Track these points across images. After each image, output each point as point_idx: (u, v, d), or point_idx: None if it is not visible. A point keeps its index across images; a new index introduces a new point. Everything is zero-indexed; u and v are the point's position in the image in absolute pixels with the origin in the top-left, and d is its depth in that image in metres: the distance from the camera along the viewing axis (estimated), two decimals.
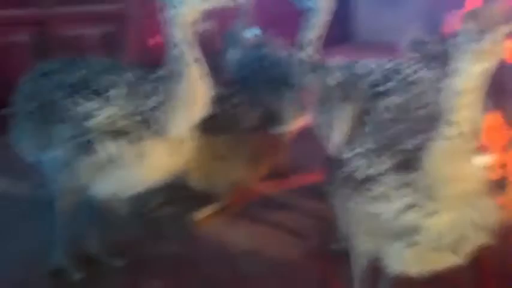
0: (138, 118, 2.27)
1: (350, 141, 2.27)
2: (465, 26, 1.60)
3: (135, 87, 2.31)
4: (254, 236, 2.98)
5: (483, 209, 1.81)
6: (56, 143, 2.34)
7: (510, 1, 1.66)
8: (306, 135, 3.31)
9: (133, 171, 2.30)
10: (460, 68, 1.62)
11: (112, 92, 2.29)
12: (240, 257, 2.79)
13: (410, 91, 2.48)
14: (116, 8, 4.76)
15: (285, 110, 3.26)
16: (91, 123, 2.26)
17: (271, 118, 3.17)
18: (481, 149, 1.80)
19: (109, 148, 2.27)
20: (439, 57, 2.60)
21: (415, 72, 2.59)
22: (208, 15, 2.27)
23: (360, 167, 2.00)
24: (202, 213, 3.12)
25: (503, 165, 3.72)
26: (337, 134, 2.59)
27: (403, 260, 1.91)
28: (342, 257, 2.26)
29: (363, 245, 2.06)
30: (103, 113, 2.27)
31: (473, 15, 1.60)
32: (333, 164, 2.27)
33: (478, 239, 1.85)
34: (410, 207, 1.81)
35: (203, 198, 3.13)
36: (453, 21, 4.95)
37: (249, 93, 3.17)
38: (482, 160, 1.76)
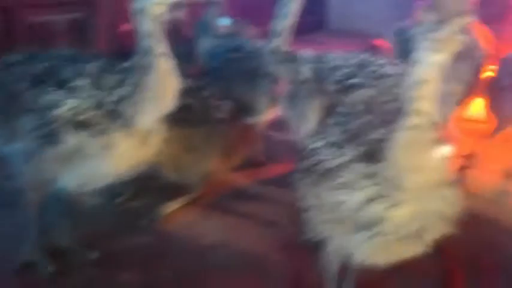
0: (104, 109, 2.24)
1: (318, 132, 2.28)
2: (424, 17, 1.63)
3: (101, 78, 2.28)
4: (226, 227, 2.98)
5: (446, 199, 1.83)
6: (21, 135, 2.30)
7: None
8: (279, 125, 3.32)
9: (100, 163, 2.28)
10: (420, 58, 1.65)
11: (76, 83, 2.25)
12: (212, 249, 2.79)
13: (379, 84, 2.51)
14: None
15: (257, 101, 3.26)
16: (54, 114, 2.21)
17: (244, 108, 3.16)
18: (443, 140, 1.82)
19: (74, 140, 2.23)
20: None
21: (386, 65, 2.62)
22: (179, 4, 2.24)
23: (326, 157, 2.01)
24: (174, 205, 3.10)
25: (470, 155, 3.83)
26: (306, 125, 2.60)
27: (367, 250, 1.93)
28: (314, 247, 2.27)
29: (328, 235, 2.07)
30: (67, 104, 2.23)
31: (432, 6, 1.63)
32: (301, 154, 2.29)
33: (441, 229, 1.87)
34: (373, 197, 1.82)
35: (175, 190, 3.11)
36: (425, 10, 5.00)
37: (221, 83, 3.15)
38: (444, 151, 1.78)
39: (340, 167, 1.93)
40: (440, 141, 1.77)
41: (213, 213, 3.10)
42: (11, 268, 2.56)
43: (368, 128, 2.01)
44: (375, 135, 1.94)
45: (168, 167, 2.92)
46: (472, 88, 3.57)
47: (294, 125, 2.78)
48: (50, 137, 2.23)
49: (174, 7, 2.21)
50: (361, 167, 1.88)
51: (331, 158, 1.99)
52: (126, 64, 2.30)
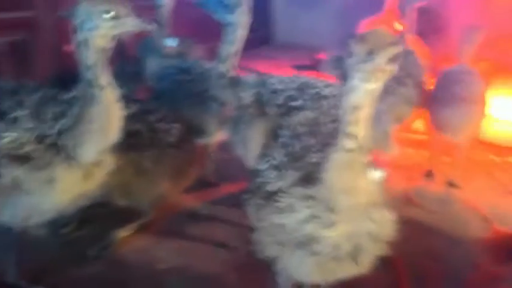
0: (45, 142, 2.19)
1: (263, 154, 2.33)
2: (355, 48, 1.72)
3: (42, 110, 2.23)
4: (180, 251, 2.96)
5: (379, 221, 1.93)
6: None
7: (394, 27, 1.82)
8: (228, 145, 3.34)
9: (42, 197, 2.23)
10: (353, 86, 1.75)
11: (16, 115, 2.20)
12: (168, 273, 2.78)
13: (322, 106, 2.60)
14: (25, 16, 4.52)
15: (206, 122, 3.27)
16: None
17: (193, 131, 3.16)
18: (375, 164, 1.92)
19: (12, 174, 2.18)
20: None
21: (326, 87, 2.71)
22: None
23: (271, 179, 2.07)
24: (126, 231, 3.06)
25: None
26: (252, 147, 2.66)
27: (305, 269, 2.01)
28: (268, 266, 2.29)
29: (276, 255, 2.12)
30: (7, 137, 2.17)
31: (361, 38, 1.74)
32: (249, 175, 2.33)
33: (375, 250, 1.97)
34: (310, 218, 1.90)
35: (125, 216, 3.07)
36: (368, 26, 5.19)
37: (170, 106, 3.14)
38: (376, 174, 1.88)
39: (285, 188, 2.00)
40: (372, 164, 1.86)
41: (166, 237, 3.08)
42: None
43: (308, 151, 2.08)
44: (314, 158, 2.02)
45: (118, 192, 2.87)
46: (414, 103, 3.74)
47: (239, 149, 2.83)
48: None
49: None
50: (299, 190, 1.95)
51: (273, 181, 2.05)
52: (68, 95, 2.28)
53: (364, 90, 1.74)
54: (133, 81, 3.97)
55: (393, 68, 1.75)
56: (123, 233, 3.04)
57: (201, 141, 3.24)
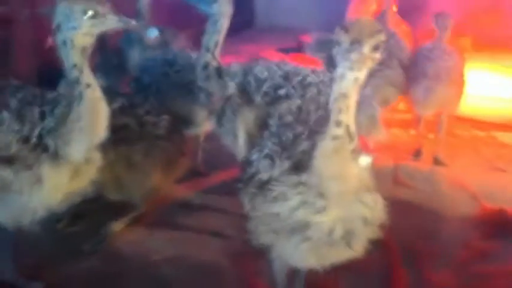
0: (33, 142, 2.19)
1: (254, 143, 2.35)
2: (340, 37, 1.76)
3: (25, 111, 2.23)
4: (174, 241, 2.99)
5: (371, 205, 1.97)
6: None
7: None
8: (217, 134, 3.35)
9: (32, 197, 2.24)
10: (341, 74, 1.78)
11: (2, 115, 2.20)
12: (162, 264, 2.80)
13: (308, 93, 2.62)
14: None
15: (194, 113, 3.29)
16: None
17: (181, 122, 3.17)
18: (363, 149, 1.95)
19: (2, 175, 2.19)
20: None
21: (311, 73, 2.73)
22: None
23: (263, 168, 2.11)
24: (119, 225, 3.07)
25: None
26: (241, 137, 2.67)
27: (299, 254, 2.05)
28: (262, 253, 2.33)
29: (270, 243, 2.16)
30: None
31: (346, 27, 1.76)
32: (240, 165, 2.36)
33: (368, 233, 2.01)
34: (302, 204, 1.94)
35: (118, 209, 3.08)
36: (357, 8, 5.20)
37: (157, 98, 3.15)
38: (365, 160, 1.91)
39: (277, 177, 2.03)
40: (360, 150, 1.89)
41: (159, 229, 3.10)
42: None
43: (298, 139, 2.11)
44: (303, 146, 2.05)
45: (110, 187, 2.88)
46: (399, 84, 3.79)
47: (227, 139, 2.85)
48: None
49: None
50: (290, 178, 1.98)
51: (265, 170, 2.09)
52: (51, 95, 2.28)
53: (351, 78, 1.77)
54: (117, 74, 3.96)
55: (378, 56, 1.78)
56: (116, 226, 3.05)
57: (189, 132, 3.25)
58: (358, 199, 1.94)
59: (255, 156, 2.20)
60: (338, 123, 1.81)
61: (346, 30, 1.75)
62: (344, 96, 1.79)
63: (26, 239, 2.64)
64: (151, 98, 3.14)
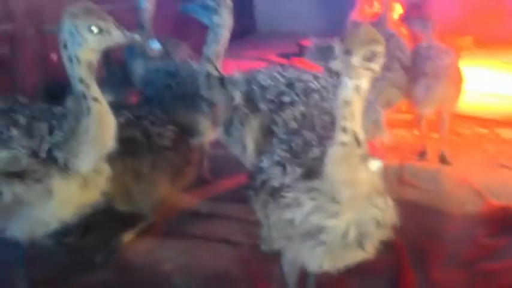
0: (42, 156, 2.24)
1: (262, 151, 2.39)
2: (336, 46, 1.80)
3: (36, 125, 2.28)
4: (184, 250, 3.02)
5: (382, 208, 2.01)
6: None
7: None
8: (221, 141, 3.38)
9: (44, 210, 2.28)
10: (343, 82, 1.83)
11: (11, 132, 2.25)
12: (174, 273, 2.83)
13: (312, 98, 2.66)
14: (4, 29, 4.49)
15: (198, 122, 3.33)
16: None
17: (186, 131, 3.21)
18: (373, 155, 1.99)
19: (14, 190, 2.23)
20: None
21: (314, 79, 2.76)
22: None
23: (274, 175, 2.14)
24: (129, 236, 3.10)
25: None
26: (249, 145, 2.71)
27: (314, 258, 2.10)
28: (274, 257, 2.36)
29: (282, 248, 2.21)
30: (3, 154, 2.22)
31: (343, 37, 1.81)
32: (250, 172, 2.39)
33: (380, 235, 2.05)
34: (316, 209, 1.98)
35: (128, 221, 3.11)
36: (360, 10, 5.24)
37: (161, 109, 3.19)
38: (375, 164, 1.95)
39: (289, 184, 2.07)
40: (369, 155, 1.93)
41: (169, 238, 3.14)
42: None
43: (308, 146, 2.15)
44: (314, 152, 2.09)
45: (119, 199, 2.92)
46: (402, 86, 3.83)
47: (236, 149, 2.88)
48: None
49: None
50: (306, 182, 2.02)
51: (277, 177, 2.12)
52: (59, 110, 2.34)
53: (352, 86, 1.82)
54: (122, 86, 4.00)
55: (375, 66, 1.82)
56: (127, 237, 3.09)
57: (194, 141, 3.29)
58: (370, 202, 1.98)
59: (265, 163, 2.23)
60: (344, 130, 1.86)
61: (342, 39, 1.80)
62: (347, 103, 1.84)
63: (39, 253, 2.69)
64: (155, 109, 3.18)
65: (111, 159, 2.41)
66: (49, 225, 2.37)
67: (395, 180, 3.66)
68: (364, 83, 1.83)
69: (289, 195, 2.04)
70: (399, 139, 4.31)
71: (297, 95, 2.71)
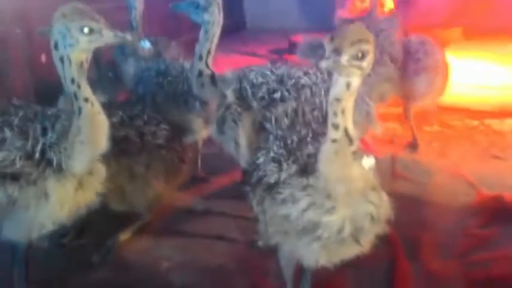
0: (37, 157, 2.25)
1: (257, 147, 2.41)
2: (325, 45, 1.82)
3: (29, 126, 2.29)
4: (180, 248, 3.03)
5: (377, 203, 2.04)
6: None
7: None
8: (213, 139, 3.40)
9: (39, 211, 2.29)
10: (334, 79, 1.86)
11: (5, 133, 2.26)
12: (172, 271, 2.85)
13: (303, 94, 2.68)
14: None
15: (191, 121, 3.34)
16: None
17: (179, 130, 3.23)
18: (365, 151, 2.02)
19: (8, 191, 2.24)
20: None
21: (301, 77, 2.79)
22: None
23: (270, 171, 2.16)
24: (126, 234, 3.11)
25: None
26: (243, 143, 2.72)
27: (311, 253, 2.13)
28: (270, 252, 2.40)
29: (278, 243, 2.23)
30: None
31: (332, 35, 1.82)
32: (246, 169, 2.41)
33: (375, 230, 2.08)
34: (311, 205, 2.01)
35: (124, 220, 3.12)
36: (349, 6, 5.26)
37: (154, 109, 3.20)
38: (368, 161, 1.98)
39: (284, 180, 2.10)
40: (362, 151, 1.96)
41: (166, 236, 3.15)
42: None
43: (302, 143, 2.17)
44: (309, 149, 2.12)
45: (114, 199, 2.92)
46: (394, 80, 3.86)
47: (229, 147, 2.89)
48: None
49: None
50: (302, 178, 2.05)
51: (272, 174, 2.14)
52: (51, 111, 2.35)
53: (343, 83, 1.84)
54: (113, 86, 4.01)
55: (364, 64, 1.84)
56: (123, 236, 3.10)
57: (187, 140, 3.31)
58: (364, 198, 2.01)
59: (261, 160, 2.26)
60: (335, 127, 1.88)
61: (331, 38, 1.81)
62: (338, 100, 1.86)
63: (36, 255, 2.68)
64: (147, 108, 3.19)
65: (105, 158, 2.42)
66: (44, 227, 2.38)
67: (387, 173, 3.69)
68: (355, 80, 1.85)
69: (285, 191, 2.06)
70: (390, 132, 4.35)
71: (288, 91, 2.73)
